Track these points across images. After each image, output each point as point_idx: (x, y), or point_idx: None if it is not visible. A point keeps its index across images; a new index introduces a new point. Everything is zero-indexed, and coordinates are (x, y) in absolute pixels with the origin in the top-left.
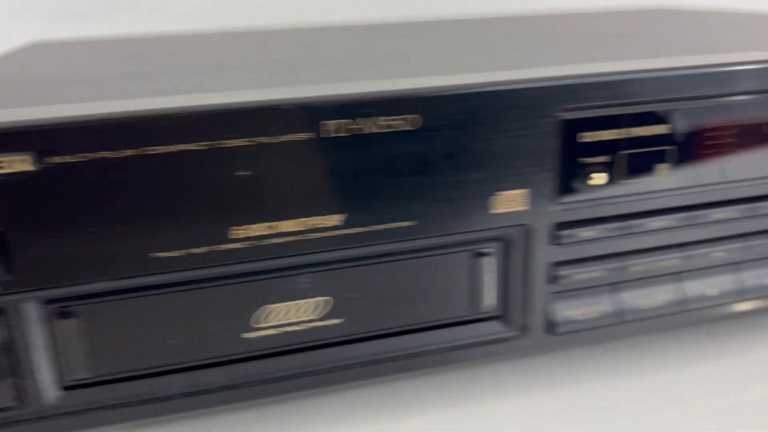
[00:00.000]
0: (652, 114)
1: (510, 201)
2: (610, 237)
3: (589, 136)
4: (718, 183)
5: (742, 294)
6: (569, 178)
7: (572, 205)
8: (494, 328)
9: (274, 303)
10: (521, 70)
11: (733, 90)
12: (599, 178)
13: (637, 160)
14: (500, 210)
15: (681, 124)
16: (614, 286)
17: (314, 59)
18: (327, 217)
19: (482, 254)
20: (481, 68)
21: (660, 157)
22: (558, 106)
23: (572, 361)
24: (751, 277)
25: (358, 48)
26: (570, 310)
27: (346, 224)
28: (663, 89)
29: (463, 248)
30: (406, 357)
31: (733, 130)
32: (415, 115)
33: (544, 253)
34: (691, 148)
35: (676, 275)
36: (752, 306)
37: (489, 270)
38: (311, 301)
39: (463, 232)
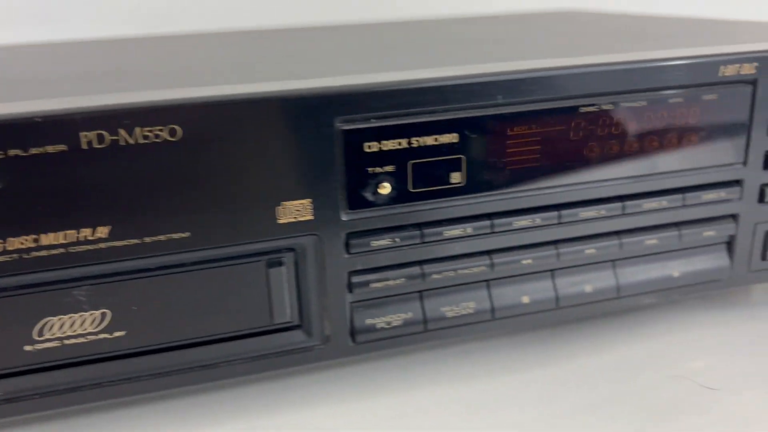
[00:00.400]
0: (441, 122)
1: (296, 211)
2: (407, 245)
3: (376, 146)
4: (512, 191)
5: (556, 301)
6: (358, 187)
7: (364, 214)
8: (294, 338)
9: (55, 315)
10: (299, 80)
11: (523, 99)
12: (388, 188)
13: (426, 169)
14: (287, 220)
15: (470, 133)
16: (418, 294)
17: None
18: (92, 230)
19: (274, 264)
20: (265, 78)
21: (450, 166)
22: (337, 115)
23: (380, 369)
24: (566, 285)
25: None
26: (372, 319)
27: (113, 237)
28: (448, 98)
29: (254, 259)
30: (201, 368)
31: (525, 139)
32: (173, 126)
33: (341, 263)
34: (481, 156)
35: (483, 283)
36: (573, 313)
37: (283, 280)
38: (92, 313)
39: (248, 243)
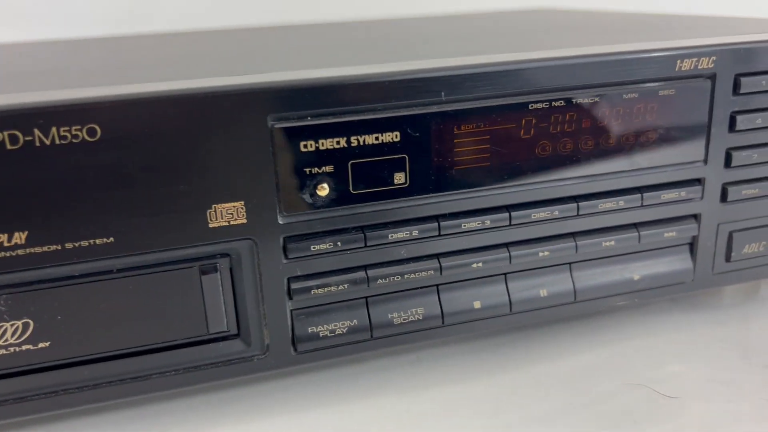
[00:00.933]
0: (382, 121)
1: (228, 214)
2: (349, 249)
3: (312, 145)
4: (460, 192)
5: (509, 306)
6: (295, 189)
7: (302, 217)
8: (232, 348)
9: None
10: (229, 77)
11: (469, 95)
12: (327, 189)
13: (368, 169)
14: (218, 223)
15: (413, 131)
16: (363, 300)
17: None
18: (8, 236)
19: (208, 270)
20: (193, 75)
21: (393, 166)
22: (270, 113)
23: (324, 380)
24: (520, 289)
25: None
26: (314, 327)
27: (31, 242)
28: (388, 95)
29: (186, 265)
30: (132, 380)
31: (472, 138)
32: (92, 125)
33: (280, 268)
34: (425, 155)
35: (432, 288)
36: (528, 318)
37: (218, 287)
38: (13, 324)
39: (177, 248)
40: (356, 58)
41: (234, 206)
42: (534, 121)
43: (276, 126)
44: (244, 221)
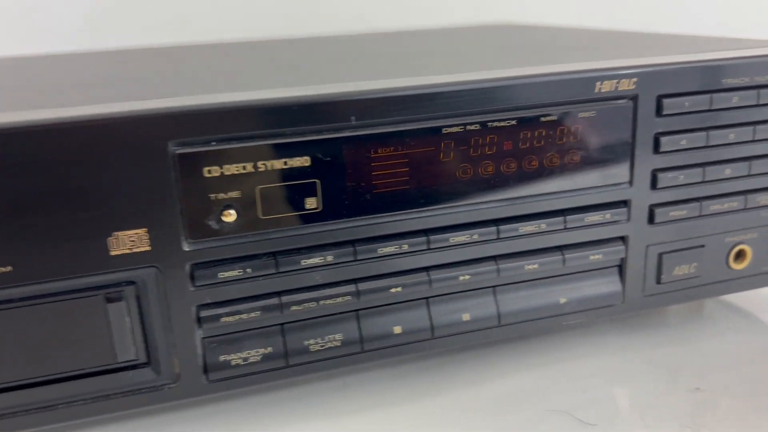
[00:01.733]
0: (290, 145)
1: (130, 241)
2: (261, 276)
3: (217, 170)
4: (376, 216)
5: (431, 331)
6: (200, 215)
7: (209, 244)
8: (142, 377)
9: None
10: (127, 102)
11: (381, 120)
12: (234, 215)
13: (277, 194)
14: (120, 251)
15: (324, 156)
16: (279, 327)
17: None
18: None
19: (113, 299)
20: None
21: (303, 191)
22: (172, 138)
23: (238, 409)
24: (442, 313)
25: None
26: (227, 355)
27: None
28: (296, 120)
29: (90, 293)
30: (38, 410)
31: (387, 162)
32: None
33: (187, 296)
34: (338, 180)
35: (352, 313)
36: (451, 342)
37: (124, 315)
38: None
39: (78, 277)
40: (266, 81)
41: (136, 233)
42: (452, 144)
43: (178, 152)
44: (148, 248)
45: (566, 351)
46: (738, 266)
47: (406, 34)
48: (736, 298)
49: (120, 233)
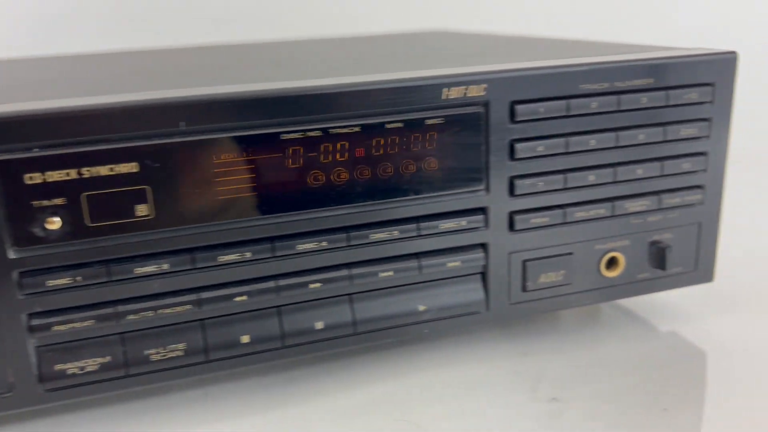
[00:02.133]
0: (114, 151)
1: None
2: (93, 284)
3: (39, 177)
4: (215, 224)
5: (281, 340)
6: (23, 223)
7: (35, 252)
8: None
9: None
10: None
11: (211, 125)
12: (59, 222)
13: (105, 201)
14: None
15: (153, 162)
16: (118, 336)
17: None
18: None
19: None
20: None
21: (133, 197)
22: None
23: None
24: (294, 322)
25: None
26: (62, 364)
27: None
28: (119, 126)
29: None
30: None
31: (224, 168)
32: None
33: (16, 304)
34: (171, 186)
35: (197, 323)
36: (302, 351)
37: None
38: None
39: None
40: (98, 87)
41: None
42: (292, 150)
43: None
44: None
45: (433, 359)
46: (610, 274)
47: (318, 42)
48: (633, 304)
49: None
